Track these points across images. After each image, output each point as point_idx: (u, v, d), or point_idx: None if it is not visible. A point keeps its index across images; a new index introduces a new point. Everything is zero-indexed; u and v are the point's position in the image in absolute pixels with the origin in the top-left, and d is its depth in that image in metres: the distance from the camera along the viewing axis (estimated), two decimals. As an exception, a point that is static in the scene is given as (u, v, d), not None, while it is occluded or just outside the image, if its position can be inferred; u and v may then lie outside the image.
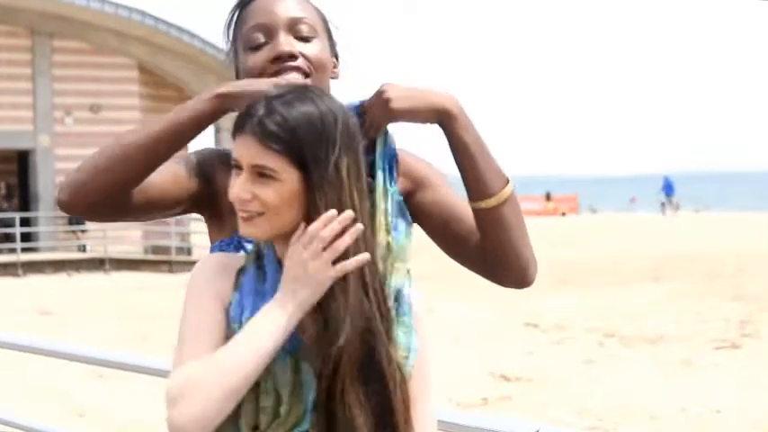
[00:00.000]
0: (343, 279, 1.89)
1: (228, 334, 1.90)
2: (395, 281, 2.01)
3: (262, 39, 2.20)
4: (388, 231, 2.02)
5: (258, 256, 1.99)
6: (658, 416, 9.39)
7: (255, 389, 1.89)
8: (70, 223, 27.70)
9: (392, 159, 2.09)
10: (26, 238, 26.60)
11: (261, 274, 1.97)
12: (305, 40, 2.20)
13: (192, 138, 2.11)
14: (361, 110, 2.07)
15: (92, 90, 28.31)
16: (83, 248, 27.66)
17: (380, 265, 1.97)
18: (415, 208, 2.22)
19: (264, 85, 2.02)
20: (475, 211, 2.12)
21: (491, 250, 2.15)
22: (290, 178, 1.87)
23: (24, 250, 25.84)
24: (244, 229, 1.92)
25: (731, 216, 44.65)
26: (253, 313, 1.90)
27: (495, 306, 16.29)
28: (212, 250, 2.23)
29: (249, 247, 2.12)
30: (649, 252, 25.71)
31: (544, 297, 16.96)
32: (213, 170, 2.25)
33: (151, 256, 27.41)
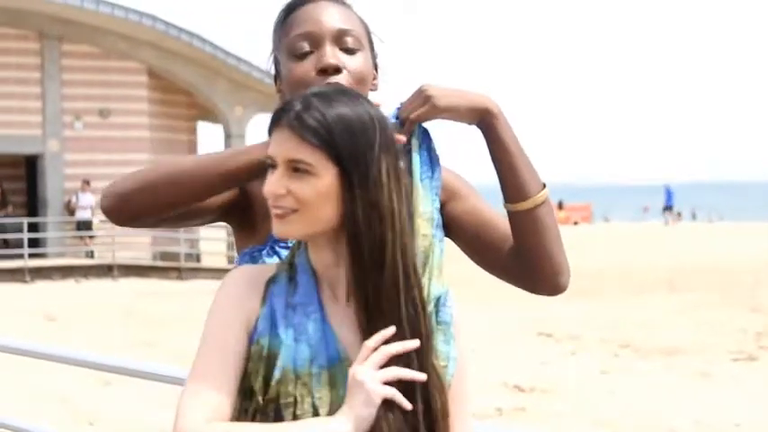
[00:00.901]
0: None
1: (255, 350, 1.88)
2: (435, 287, 1.99)
3: (307, 48, 2.20)
4: (426, 235, 2.01)
5: (291, 266, 1.95)
6: (675, 428, 9.32)
7: (293, 406, 1.86)
8: (78, 228, 27.69)
9: (433, 159, 2.10)
10: (34, 243, 26.57)
11: (293, 285, 1.93)
12: (350, 52, 2.20)
13: (236, 186, 2.16)
14: (400, 113, 2.10)
15: (101, 95, 28.31)
16: (91, 254, 27.64)
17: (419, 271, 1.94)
18: (447, 219, 2.21)
19: None
20: (511, 214, 2.13)
21: (525, 255, 2.13)
22: (326, 174, 1.85)
23: (32, 256, 25.82)
24: (277, 228, 1.90)
25: (745, 226, 44.52)
26: (282, 326, 1.87)
27: (507, 315, 16.23)
28: (242, 257, 2.23)
29: (284, 253, 2.09)
30: (663, 262, 25.64)
31: (557, 306, 16.89)
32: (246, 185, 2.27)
33: (160, 263, 27.38)
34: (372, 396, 1.81)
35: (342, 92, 1.91)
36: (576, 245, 31.81)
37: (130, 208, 2.13)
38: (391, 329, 1.84)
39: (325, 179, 1.85)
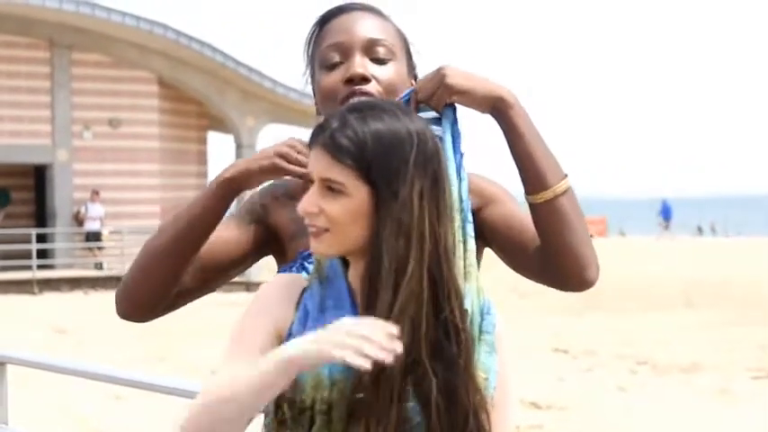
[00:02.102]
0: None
1: None
2: (477, 297, 1.97)
3: (337, 58, 2.21)
4: (464, 243, 1.99)
5: (322, 273, 1.97)
6: (695, 447, 9.27)
7: (328, 413, 1.86)
8: (87, 240, 27.71)
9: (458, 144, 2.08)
10: (42, 254, 26.59)
11: (324, 291, 1.95)
12: (380, 62, 2.21)
13: (214, 226, 2.18)
14: (415, 92, 2.10)
15: (111, 104, 28.36)
16: (99, 266, 27.66)
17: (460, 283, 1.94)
18: (481, 224, 2.19)
19: (266, 158, 2.12)
20: (532, 206, 2.09)
21: (549, 249, 2.09)
22: (357, 193, 1.87)
23: (40, 267, 25.84)
24: (313, 246, 1.92)
25: (763, 241, 44.35)
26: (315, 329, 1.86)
27: (523, 331, 16.20)
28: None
29: (312, 268, 2.08)
30: (680, 277, 25.57)
31: (572, 322, 16.86)
32: (266, 210, 2.30)
33: (169, 275, 27.40)
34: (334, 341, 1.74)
35: (382, 107, 1.91)
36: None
37: (134, 300, 2.18)
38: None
39: (356, 198, 1.87)
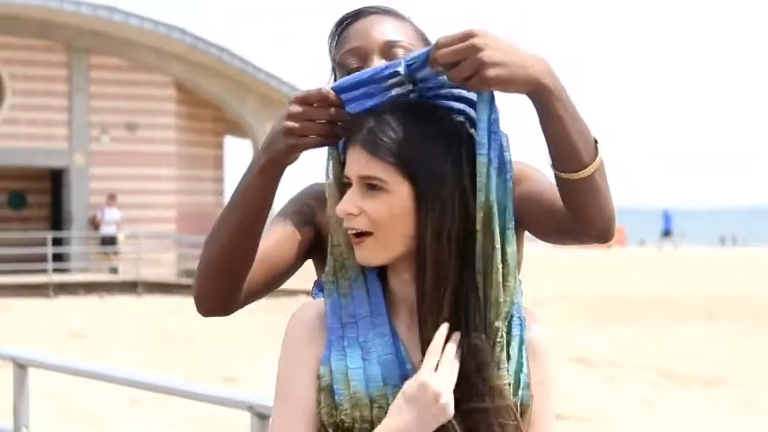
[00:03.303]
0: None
1: (322, 383, 1.86)
2: (501, 294, 1.87)
3: (355, 64, 2.19)
4: (495, 245, 1.87)
5: (338, 281, 1.92)
6: (720, 460, 9.21)
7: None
8: (103, 244, 27.77)
9: (500, 143, 1.89)
10: (58, 258, 26.63)
11: (348, 299, 1.90)
12: None
13: (269, 208, 2.09)
14: (433, 56, 1.85)
15: (128, 108, 28.43)
16: (115, 270, 27.70)
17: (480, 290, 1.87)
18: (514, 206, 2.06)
19: (279, 141, 1.98)
20: (563, 181, 1.98)
21: (576, 215, 2.02)
22: (399, 190, 1.84)
23: (56, 271, 25.89)
24: (358, 255, 1.88)
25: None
26: (343, 346, 1.85)
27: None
28: (315, 288, 2.22)
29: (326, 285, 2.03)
30: (700, 288, 25.50)
31: (594, 332, 16.80)
32: (313, 211, 2.26)
33: (184, 280, 27.42)
34: (446, 409, 1.77)
35: (419, 104, 1.89)
36: (611, 269, 31.73)
37: (211, 296, 2.13)
38: (444, 326, 1.80)
39: (398, 196, 1.83)
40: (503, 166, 1.88)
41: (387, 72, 1.89)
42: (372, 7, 2.26)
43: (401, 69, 1.88)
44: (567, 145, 1.94)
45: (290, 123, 1.95)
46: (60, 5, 26.37)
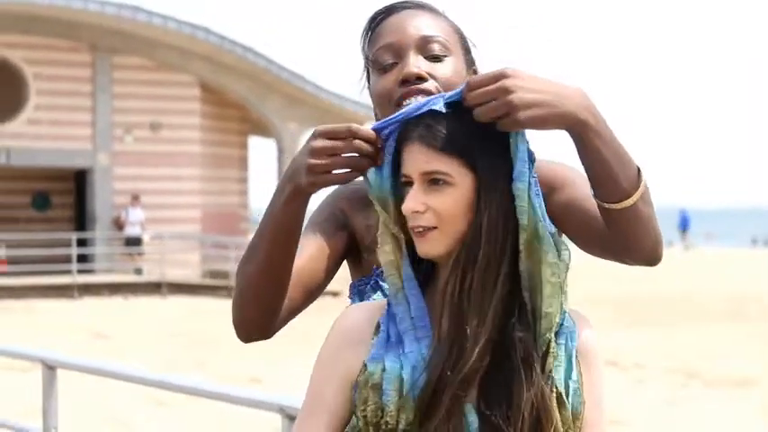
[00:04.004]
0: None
1: (362, 378, 1.87)
2: (550, 305, 1.88)
3: (390, 60, 2.17)
4: (542, 261, 1.88)
5: (400, 292, 1.92)
6: (749, 463, 9.18)
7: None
8: (127, 244, 27.84)
9: (531, 161, 1.90)
10: (82, 259, 26.73)
11: (406, 309, 1.90)
12: (436, 59, 2.15)
13: (297, 238, 2.08)
14: (467, 99, 1.86)
15: (152, 108, 28.48)
16: (139, 271, 27.77)
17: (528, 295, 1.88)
18: (551, 212, 2.07)
19: (301, 176, 1.95)
20: (604, 210, 1.97)
21: (621, 241, 2.01)
22: (464, 182, 1.85)
23: (80, 272, 25.99)
24: (420, 247, 1.87)
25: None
26: (399, 353, 1.86)
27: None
28: (351, 290, 2.24)
29: (387, 286, 2.04)
30: (727, 289, 25.36)
31: (621, 334, 16.75)
32: (345, 215, 2.26)
33: (209, 281, 27.48)
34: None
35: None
36: (637, 271, 31.38)
37: (252, 326, 2.13)
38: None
39: (462, 188, 1.85)
40: (538, 188, 1.89)
41: (424, 110, 1.89)
42: (406, 2, 2.23)
43: (440, 107, 1.87)
44: (607, 176, 1.92)
45: (314, 161, 1.92)
46: (84, 5, 26.46)
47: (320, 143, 1.92)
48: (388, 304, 1.92)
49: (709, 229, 75.76)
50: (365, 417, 1.86)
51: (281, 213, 2.02)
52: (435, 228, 1.85)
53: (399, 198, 1.91)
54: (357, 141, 1.91)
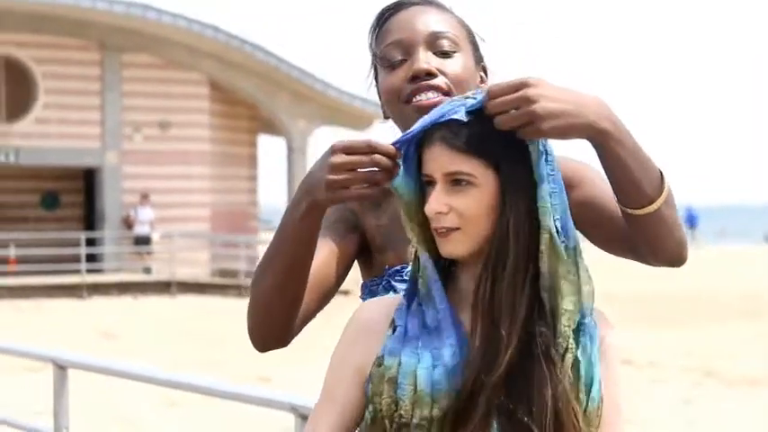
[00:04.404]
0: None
1: (378, 371, 1.87)
2: (570, 304, 1.87)
3: (399, 56, 2.17)
4: (562, 260, 1.87)
5: (419, 288, 1.92)
6: (767, 462, 9.13)
7: (427, 429, 1.84)
8: (136, 243, 27.86)
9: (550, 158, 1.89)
10: (91, 258, 26.74)
11: (428, 306, 1.90)
12: (445, 55, 2.16)
13: (313, 251, 2.07)
14: (487, 100, 1.84)
15: (161, 106, 28.49)
16: (148, 270, 27.79)
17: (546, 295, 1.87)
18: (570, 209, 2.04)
19: (318, 191, 1.93)
20: (628, 215, 1.98)
21: (646, 245, 2.02)
22: (487, 183, 1.84)
23: (89, 271, 26.00)
24: (443, 248, 1.88)
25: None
26: (417, 348, 1.86)
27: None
28: (363, 289, 2.24)
29: (400, 287, 2.08)
30: (743, 287, 25.32)
31: (636, 333, 16.70)
32: (356, 215, 2.26)
33: (218, 280, 27.50)
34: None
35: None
36: (648, 268, 31.34)
37: (266, 336, 2.12)
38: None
39: (486, 188, 1.84)
40: (560, 187, 1.88)
41: (444, 119, 1.87)
42: None
43: (461, 116, 1.85)
44: (629, 183, 1.94)
45: (332, 177, 1.90)
46: (93, 4, 26.47)
47: (339, 159, 1.89)
48: (407, 301, 1.91)
49: (721, 226, 75.68)
50: (380, 409, 1.86)
51: (297, 228, 2.01)
52: (458, 228, 1.86)
53: (419, 198, 1.91)
54: (377, 156, 1.88)
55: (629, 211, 1.97)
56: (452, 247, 1.87)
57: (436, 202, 1.85)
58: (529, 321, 1.83)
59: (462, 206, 1.84)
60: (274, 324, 2.09)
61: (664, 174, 1.99)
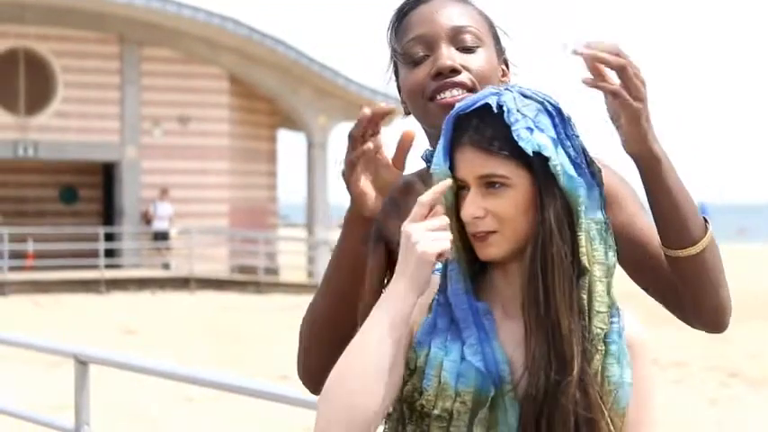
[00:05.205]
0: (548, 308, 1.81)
1: (409, 357, 1.88)
2: (602, 305, 1.87)
3: (422, 52, 2.14)
4: (588, 255, 1.86)
5: (445, 285, 1.92)
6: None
7: (448, 421, 1.85)
8: (155, 239, 27.92)
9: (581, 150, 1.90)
10: (109, 253, 26.83)
11: (454, 302, 1.91)
12: (468, 50, 2.13)
13: (363, 262, 2.09)
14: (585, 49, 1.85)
15: (181, 101, 28.52)
16: (167, 266, 27.85)
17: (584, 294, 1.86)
18: None
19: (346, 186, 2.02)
20: (671, 258, 1.99)
21: (685, 293, 2.03)
22: (522, 182, 1.84)
23: (108, 266, 26.09)
24: (481, 251, 1.88)
25: None
26: (446, 341, 1.87)
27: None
28: None
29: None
30: (763, 287, 25.20)
31: (661, 332, 16.61)
32: (379, 224, 2.20)
33: (237, 276, 27.54)
34: (424, 251, 1.80)
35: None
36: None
37: (323, 372, 2.00)
38: (447, 183, 1.85)
39: (521, 188, 1.84)
40: (594, 187, 1.87)
41: (473, 124, 1.88)
42: None
43: (491, 102, 1.86)
44: (676, 218, 1.94)
45: (349, 153, 2.00)
46: (113, -4, 26.55)
47: (349, 142, 2.00)
48: (439, 293, 1.91)
49: (741, 225, 75.41)
50: (403, 394, 1.87)
51: (342, 242, 2.08)
52: (495, 231, 1.86)
53: (454, 205, 1.92)
54: (375, 116, 1.97)
55: (673, 252, 1.97)
56: (491, 251, 1.87)
57: (473, 206, 1.85)
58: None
59: (499, 208, 1.84)
60: (329, 353, 2.06)
61: (708, 222, 2.00)
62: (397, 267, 1.84)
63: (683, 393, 12.28)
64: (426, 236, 1.81)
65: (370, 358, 1.78)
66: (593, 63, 1.85)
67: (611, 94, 1.86)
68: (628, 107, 1.86)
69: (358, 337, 1.82)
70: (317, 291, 2.15)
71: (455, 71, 2.10)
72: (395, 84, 2.24)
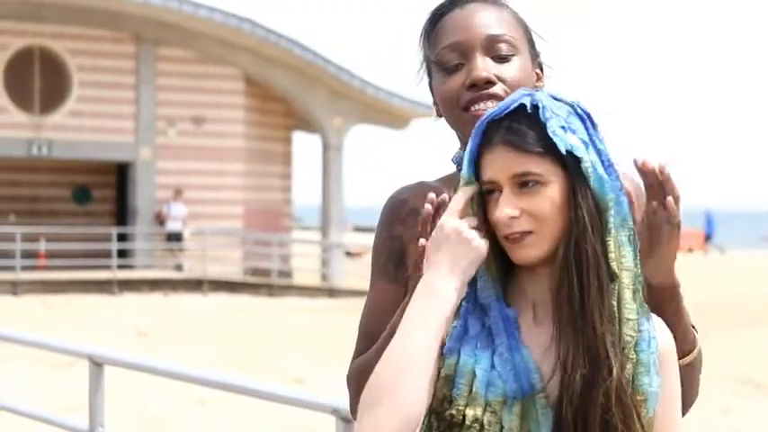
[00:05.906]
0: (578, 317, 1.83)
1: (442, 372, 1.87)
2: (631, 312, 1.88)
3: (456, 60, 2.14)
4: (617, 261, 1.88)
5: (475, 291, 1.92)
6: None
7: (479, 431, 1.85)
8: (168, 240, 27.95)
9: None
10: (122, 254, 26.91)
11: (486, 308, 1.91)
12: (504, 60, 2.14)
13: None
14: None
15: (196, 101, 28.53)
16: (180, 267, 27.87)
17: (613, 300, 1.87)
18: None
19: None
20: None
21: None
22: (556, 180, 1.84)
23: (120, 267, 26.18)
24: (516, 254, 1.87)
25: None
26: (476, 349, 1.87)
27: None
28: None
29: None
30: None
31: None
32: (402, 241, 2.20)
33: (250, 279, 27.56)
34: (482, 247, 1.83)
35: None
36: (688, 274, 31.16)
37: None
38: (473, 188, 1.86)
39: (556, 186, 1.84)
40: (622, 194, 1.89)
41: (505, 125, 1.90)
42: None
43: (525, 101, 1.89)
44: (680, 331, 2.02)
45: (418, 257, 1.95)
46: (128, -4, 26.61)
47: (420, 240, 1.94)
48: (468, 299, 1.90)
49: (763, 232, 75.02)
50: (432, 404, 1.85)
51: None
52: (531, 232, 1.85)
53: (480, 208, 1.91)
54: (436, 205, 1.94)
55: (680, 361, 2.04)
56: (527, 252, 1.86)
57: (509, 205, 1.84)
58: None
59: (535, 208, 1.83)
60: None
61: (696, 338, 2.10)
62: (432, 261, 1.83)
63: (696, 401, 12.30)
64: (474, 233, 1.83)
65: (419, 365, 1.77)
66: (657, 176, 1.92)
67: (672, 200, 1.93)
68: (673, 222, 1.93)
69: (401, 341, 1.79)
70: (369, 352, 2.08)
71: (490, 82, 2.10)
72: (429, 89, 2.23)
